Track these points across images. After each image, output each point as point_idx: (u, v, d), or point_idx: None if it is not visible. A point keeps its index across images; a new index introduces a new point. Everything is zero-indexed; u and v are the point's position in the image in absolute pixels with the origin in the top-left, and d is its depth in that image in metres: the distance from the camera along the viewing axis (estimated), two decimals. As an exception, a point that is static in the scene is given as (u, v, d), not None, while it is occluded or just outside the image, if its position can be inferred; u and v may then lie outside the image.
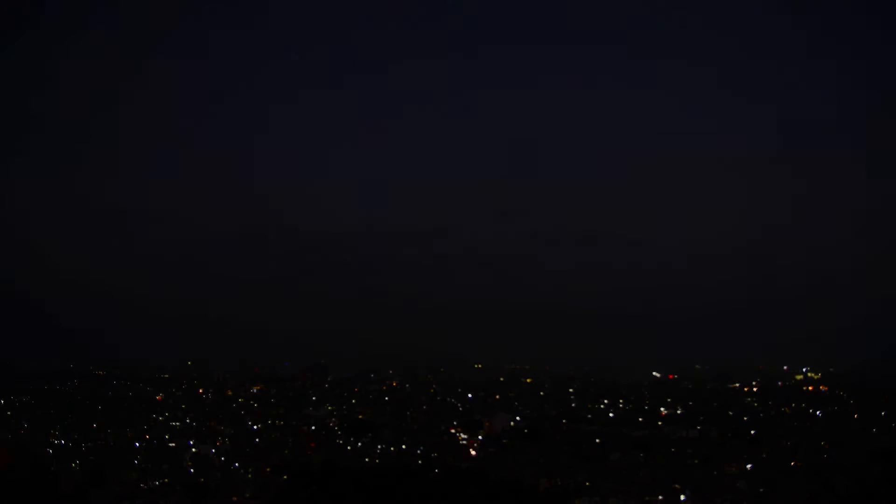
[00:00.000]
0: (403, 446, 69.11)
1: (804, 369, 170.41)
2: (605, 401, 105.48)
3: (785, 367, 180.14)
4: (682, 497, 48.84)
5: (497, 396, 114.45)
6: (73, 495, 51.35)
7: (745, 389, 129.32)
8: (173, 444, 71.06)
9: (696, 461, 60.27)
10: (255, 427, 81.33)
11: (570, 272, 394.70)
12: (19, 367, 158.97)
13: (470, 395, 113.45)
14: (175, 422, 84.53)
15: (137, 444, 71.23)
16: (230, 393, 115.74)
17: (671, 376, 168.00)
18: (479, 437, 75.37)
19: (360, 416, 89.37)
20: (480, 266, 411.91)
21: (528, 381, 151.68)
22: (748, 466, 57.34)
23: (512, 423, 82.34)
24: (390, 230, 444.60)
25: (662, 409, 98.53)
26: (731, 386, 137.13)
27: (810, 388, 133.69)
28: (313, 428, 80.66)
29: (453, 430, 79.28)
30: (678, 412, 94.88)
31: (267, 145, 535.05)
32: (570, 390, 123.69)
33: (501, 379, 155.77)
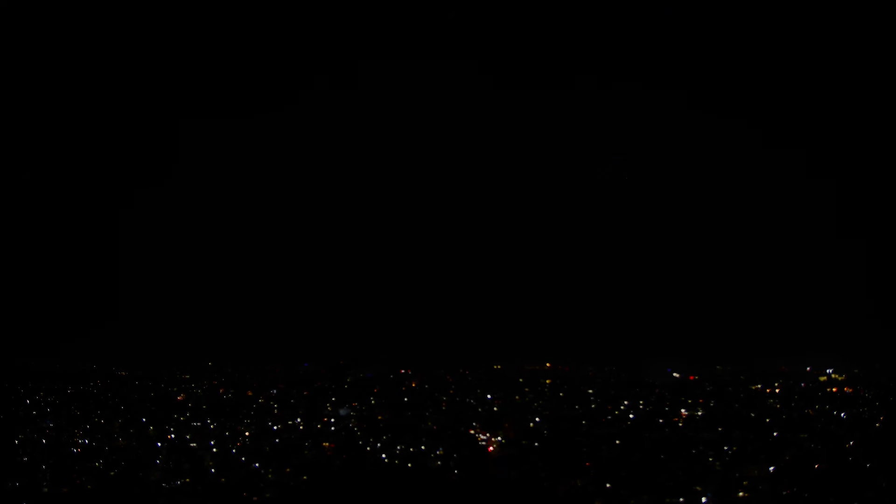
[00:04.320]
0: (423, 447, 69.20)
1: (828, 370, 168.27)
2: (626, 402, 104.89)
3: (808, 368, 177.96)
4: (704, 500, 48.55)
5: (516, 397, 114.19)
6: (96, 494, 52.08)
7: (768, 391, 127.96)
8: (194, 445, 71.74)
9: (718, 463, 59.79)
10: (275, 428, 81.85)
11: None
12: (43, 369, 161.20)
13: (489, 396, 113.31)
14: (196, 422, 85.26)
15: (159, 444, 71.96)
16: (250, 394, 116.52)
17: (692, 377, 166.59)
18: (499, 439, 75.32)
19: (380, 417, 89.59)
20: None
21: (548, 381, 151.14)
22: (770, 469, 56.77)
23: (531, 425, 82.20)
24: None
25: (683, 410, 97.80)
26: (753, 387, 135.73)
27: (834, 389, 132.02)
28: (333, 429, 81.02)
29: (472, 432, 79.25)
30: (699, 414, 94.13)
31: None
32: (590, 391, 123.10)
33: (521, 380, 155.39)
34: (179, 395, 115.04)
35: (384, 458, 64.83)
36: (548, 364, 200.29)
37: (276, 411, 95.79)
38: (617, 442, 70.53)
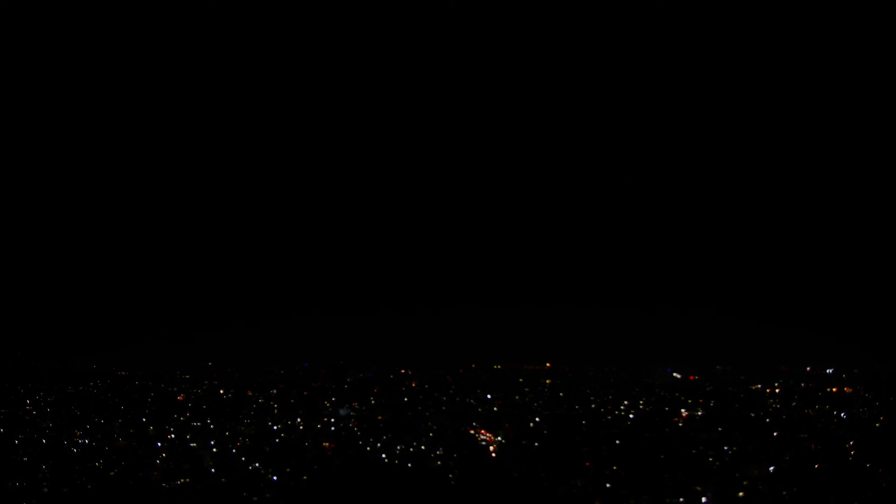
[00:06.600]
0: (423, 447, 69.22)
1: (828, 370, 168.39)
2: (626, 402, 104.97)
3: (808, 368, 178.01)
4: (704, 499, 48.55)
5: (516, 397, 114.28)
6: (96, 494, 52.09)
7: (768, 391, 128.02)
8: (194, 445, 71.77)
9: (718, 463, 59.81)
10: (275, 428, 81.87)
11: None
12: (43, 369, 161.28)
13: (489, 396, 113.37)
14: (196, 422, 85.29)
15: (159, 444, 71.99)
16: (250, 394, 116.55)
17: (692, 377, 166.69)
18: (499, 439, 75.34)
19: (380, 417, 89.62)
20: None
21: (548, 381, 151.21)
22: (770, 469, 56.78)
23: (531, 425, 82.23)
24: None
25: (683, 410, 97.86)
26: (753, 387, 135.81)
27: (834, 388, 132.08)
28: (333, 429, 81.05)
29: (472, 432, 79.31)
30: (699, 414, 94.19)
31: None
32: (590, 391, 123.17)
33: (521, 379, 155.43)
34: (179, 395, 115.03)
35: (384, 458, 64.84)
36: (548, 364, 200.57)
37: (276, 411, 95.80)
38: (617, 442, 70.53)
